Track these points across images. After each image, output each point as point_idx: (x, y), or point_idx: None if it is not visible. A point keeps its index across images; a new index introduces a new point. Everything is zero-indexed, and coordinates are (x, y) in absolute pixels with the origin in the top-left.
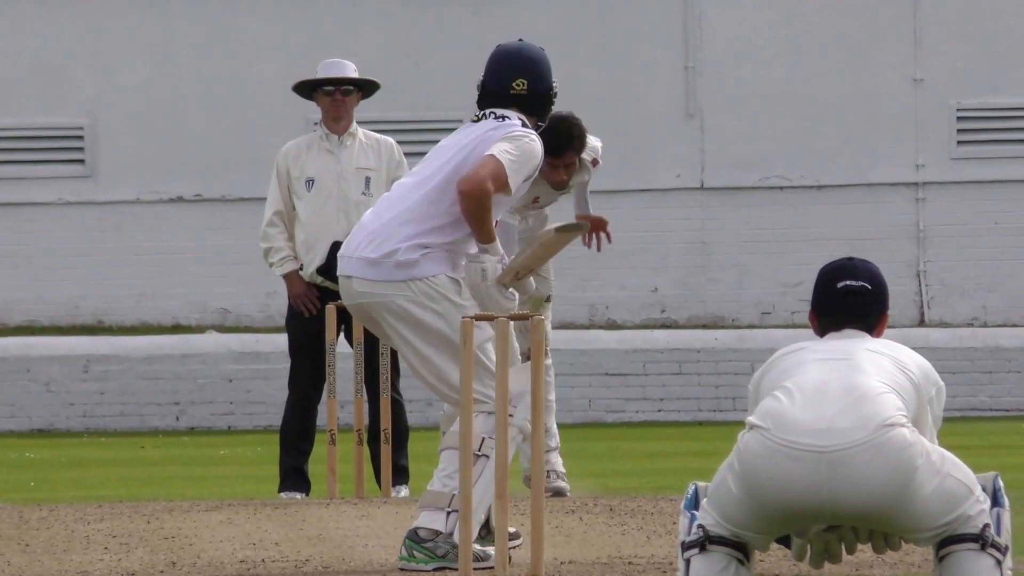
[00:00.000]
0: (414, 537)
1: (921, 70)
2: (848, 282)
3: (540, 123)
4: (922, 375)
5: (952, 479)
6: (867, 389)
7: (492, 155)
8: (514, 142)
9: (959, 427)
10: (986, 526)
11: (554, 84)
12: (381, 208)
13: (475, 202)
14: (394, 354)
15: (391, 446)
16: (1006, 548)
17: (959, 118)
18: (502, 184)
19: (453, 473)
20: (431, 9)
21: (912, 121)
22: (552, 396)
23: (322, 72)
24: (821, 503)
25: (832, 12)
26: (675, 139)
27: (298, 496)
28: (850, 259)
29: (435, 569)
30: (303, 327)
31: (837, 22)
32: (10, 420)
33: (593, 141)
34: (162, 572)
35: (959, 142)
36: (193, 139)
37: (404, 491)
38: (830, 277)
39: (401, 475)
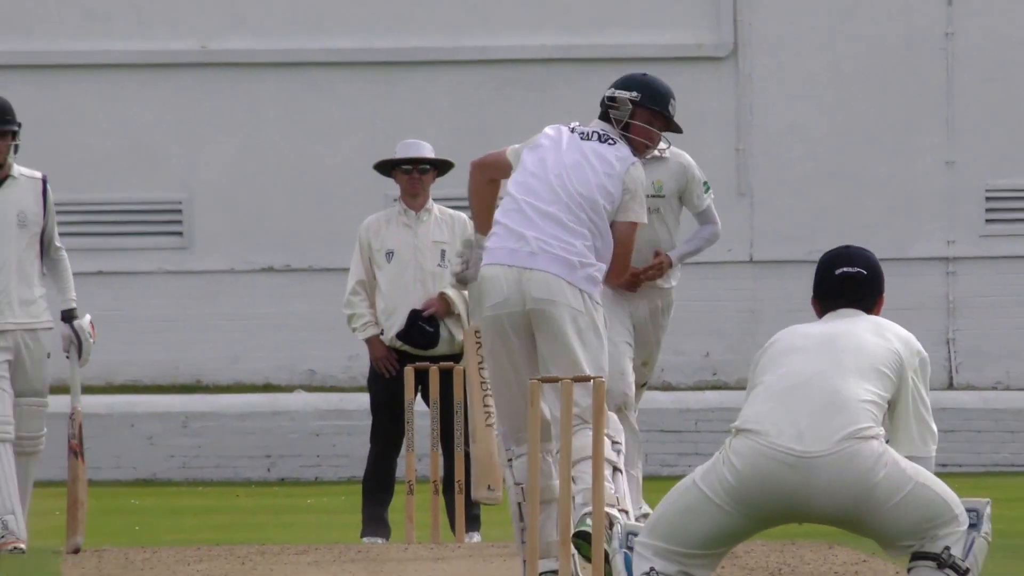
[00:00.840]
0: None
1: (953, 153)
2: (845, 268)
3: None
4: (906, 347)
5: (928, 489)
6: (844, 395)
7: (634, 223)
8: (639, 198)
9: (984, 481)
10: (947, 548)
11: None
12: (550, 220)
13: (626, 257)
14: (466, 412)
15: (464, 496)
16: (966, 571)
17: (988, 198)
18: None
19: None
20: (500, 91)
21: (945, 200)
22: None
23: (400, 152)
24: (797, 504)
25: (874, 99)
26: (727, 216)
27: (379, 541)
28: (847, 247)
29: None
30: (384, 387)
31: (878, 108)
32: (116, 470)
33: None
34: None
35: (987, 220)
36: (281, 213)
37: (476, 537)
38: (828, 265)
39: (473, 523)
